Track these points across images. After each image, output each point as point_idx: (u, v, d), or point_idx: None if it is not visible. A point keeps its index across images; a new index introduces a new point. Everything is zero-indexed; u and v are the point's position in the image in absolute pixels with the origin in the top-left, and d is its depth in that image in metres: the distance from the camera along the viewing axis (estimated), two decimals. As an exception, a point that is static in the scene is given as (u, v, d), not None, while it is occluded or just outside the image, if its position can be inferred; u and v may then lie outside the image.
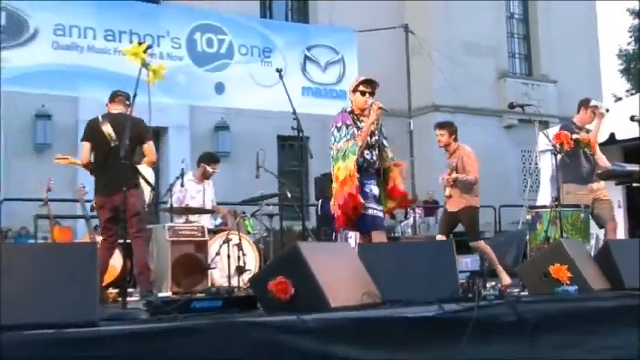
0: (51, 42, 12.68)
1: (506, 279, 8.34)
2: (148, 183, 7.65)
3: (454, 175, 8.79)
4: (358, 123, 7.07)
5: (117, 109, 7.61)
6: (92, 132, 7.46)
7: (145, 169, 7.60)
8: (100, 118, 7.51)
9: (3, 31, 12.29)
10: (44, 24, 12.66)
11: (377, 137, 7.22)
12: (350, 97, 7.30)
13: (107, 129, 7.38)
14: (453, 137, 9.01)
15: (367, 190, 7.00)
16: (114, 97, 7.72)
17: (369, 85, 7.17)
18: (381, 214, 7.07)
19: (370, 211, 6.96)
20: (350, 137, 6.93)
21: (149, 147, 7.45)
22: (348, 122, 7.04)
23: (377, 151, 7.23)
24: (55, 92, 13.07)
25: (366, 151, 7.05)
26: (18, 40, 12.43)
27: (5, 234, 10.05)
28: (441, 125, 9.24)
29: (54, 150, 18.59)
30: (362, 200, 6.85)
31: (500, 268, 8.65)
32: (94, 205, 8.00)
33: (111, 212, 7.41)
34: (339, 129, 7.04)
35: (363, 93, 7.12)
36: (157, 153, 19.43)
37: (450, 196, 8.93)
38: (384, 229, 7.23)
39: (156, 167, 19.20)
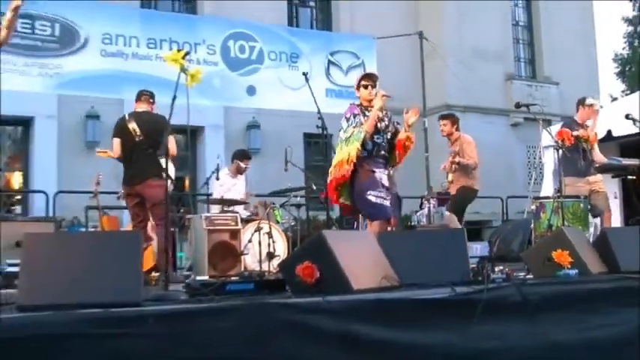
0: (99, 50, 12.75)
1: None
2: (168, 176, 7.62)
3: (456, 159, 8.89)
4: (366, 113, 7.12)
5: (141, 107, 7.77)
6: (120, 129, 7.65)
7: (170, 165, 7.61)
8: (127, 117, 7.67)
9: (57, 41, 12.37)
10: (93, 34, 12.73)
11: (386, 123, 7.25)
12: (356, 94, 7.38)
13: (132, 126, 7.52)
14: (455, 127, 9.20)
15: (378, 177, 7.00)
16: (139, 96, 7.83)
17: (370, 79, 7.30)
18: (387, 203, 6.98)
19: (374, 199, 6.91)
20: (356, 125, 6.99)
21: (172, 140, 7.44)
22: (356, 112, 7.12)
23: (388, 136, 7.24)
24: (103, 95, 13.13)
25: (376, 136, 7.10)
26: (71, 48, 12.50)
27: (59, 223, 10.12)
28: (443, 116, 9.43)
29: (102, 147, 18.71)
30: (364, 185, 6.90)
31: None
32: (122, 193, 8.08)
33: (136, 200, 7.52)
34: (347, 119, 7.12)
35: (365, 86, 7.24)
36: (195, 150, 19.53)
37: (451, 182, 9.08)
38: (387, 217, 7.11)
39: (193, 162, 19.36)
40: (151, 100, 7.81)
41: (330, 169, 7.10)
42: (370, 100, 7.17)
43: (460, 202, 9.14)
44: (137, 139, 7.49)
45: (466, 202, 9.20)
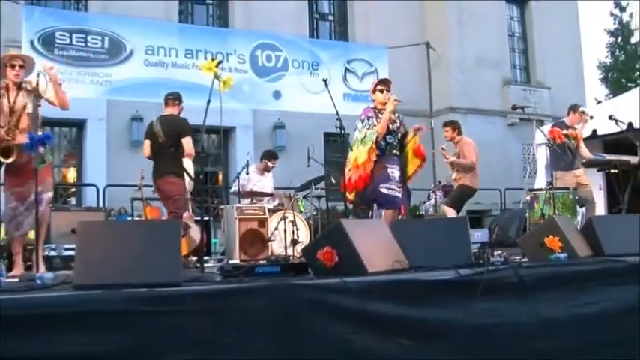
0: (143, 60, 12.78)
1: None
2: (188, 174, 7.65)
3: (452, 158, 8.93)
4: (380, 115, 7.10)
5: (168, 110, 7.72)
6: (149, 132, 7.71)
7: (187, 162, 7.62)
8: (154, 121, 7.69)
9: (107, 52, 12.43)
10: (137, 46, 12.76)
11: (397, 124, 7.24)
12: (372, 97, 7.41)
13: (157, 128, 7.55)
14: (456, 132, 9.20)
15: (390, 172, 7.00)
16: (165, 100, 7.81)
17: (385, 84, 7.35)
18: (398, 195, 6.99)
19: (385, 190, 6.93)
20: (370, 127, 6.99)
21: (187, 142, 7.40)
22: (370, 115, 7.13)
23: (399, 136, 7.23)
24: (146, 100, 13.15)
25: (388, 136, 7.10)
26: (118, 59, 12.55)
27: (109, 213, 10.18)
28: (445, 124, 9.48)
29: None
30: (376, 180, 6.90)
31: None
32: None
33: (160, 194, 7.59)
34: (362, 121, 7.14)
35: (381, 90, 7.28)
36: (227, 148, 19.49)
37: (454, 179, 9.12)
38: (396, 207, 7.15)
39: (226, 159, 19.39)
40: (177, 102, 7.73)
41: (348, 166, 7.07)
42: (384, 104, 7.17)
43: (458, 198, 9.16)
44: (160, 140, 7.48)
45: (464, 198, 9.20)
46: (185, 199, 7.62)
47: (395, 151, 7.19)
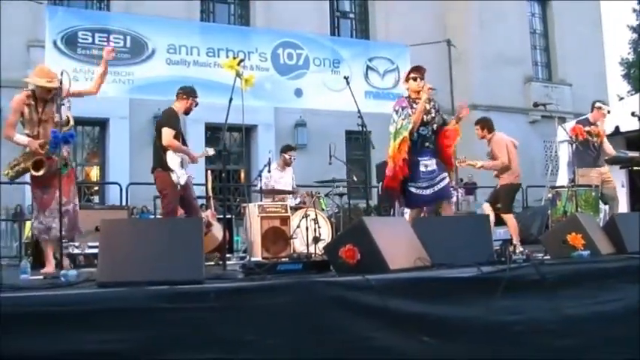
0: (165, 59, 12.83)
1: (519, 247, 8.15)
2: (168, 167, 7.21)
3: (479, 163, 8.71)
4: (414, 105, 6.83)
5: (174, 104, 7.53)
6: None
7: (170, 155, 7.21)
8: None
9: (129, 51, 12.49)
10: (159, 45, 12.81)
11: (432, 115, 6.93)
12: (405, 87, 7.11)
13: None
14: (486, 130, 8.84)
15: (422, 167, 6.73)
16: (176, 94, 7.59)
17: (418, 71, 7.02)
18: (425, 192, 6.72)
19: (414, 190, 6.71)
20: (405, 117, 6.71)
21: (164, 132, 7.17)
22: (404, 105, 6.84)
23: (434, 127, 6.93)
24: (168, 98, 13.19)
25: (421, 128, 6.81)
26: (140, 58, 12.60)
27: (131, 211, 10.25)
28: (475, 122, 9.09)
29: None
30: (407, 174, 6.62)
31: (516, 239, 8.50)
32: None
33: None
34: (396, 112, 6.84)
35: (414, 79, 6.95)
36: (249, 146, 19.52)
37: (496, 176, 8.78)
38: (420, 206, 7.01)
39: (248, 157, 19.45)
40: (184, 96, 7.48)
41: (389, 161, 6.81)
42: (418, 92, 6.88)
43: (503, 196, 8.76)
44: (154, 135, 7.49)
45: (510, 195, 8.85)
46: (183, 194, 7.25)
47: (427, 144, 6.87)
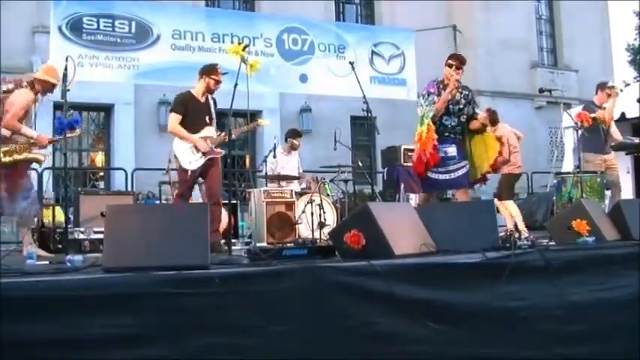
0: (170, 44, 12.78)
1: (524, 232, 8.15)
2: (176, 156, 7.14)
3: None
4: (442, 92, 6.83)
5: (196, 86, 7.36)
6: None
7: (177, 140, 7.12)
8: None
9: (134, 37, 12.45)
10: (164, 30, 12.76)
11: (460, 106, 6.93)
12: (443, 70, 7.04)
13: None
14: (489, 122, 8.89)
15: (442, 154, 6.72)
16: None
17: (456, 59, 7.01)
18: (440, 177, 6.77)
19: (430, 174, 6.74)
20: (429, 104, 6.73)
21: (169, 117, 7.23)
22: (432, 90, 6.85)
23: (462, 119, 6.92)
24: (173, 84, 13.15)
25: (444, 117, 6.84)
26: (145, 43, 12.56)
27: (137, 196, 10.24)
28: None
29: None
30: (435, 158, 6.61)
31: (521, 226, 8.56)
32: None
33: None
34: (423, 96, 6.87)
35: (450, 65, 6.95)
36: (254, 132, 19.40)
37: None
38: (429, 191, 7.06)
39: (253, 142, 19.44)
40: (200, 76, 7.32)
41: (417, 144, 6.82)
42: (449, 79, 6.89)
43: (503, 184, 9.12)
44: None
45: (508, 184, 9.17)
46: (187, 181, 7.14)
47: (448, 133, 6.86)
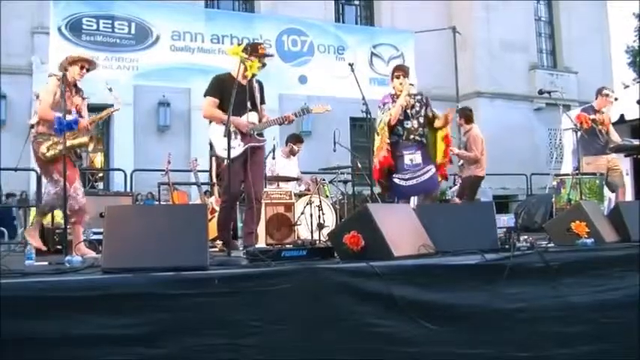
0: (169, 45, 12.78)
1: None
2: (211, 144, 6.50)
3: (456, 150, 8.99)
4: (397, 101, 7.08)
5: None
6: None
7: (213, 126, 6.45)
8: None
9: (133, 38, 12.45)
10: (164, 31, 12.75)
11: (417, 109, 7.16)
12: (391, 85, 7.37)
13: None
14: (464, 120, 9.30)
15: (407, 160, 6.96)
16: None
17: (401, 70, 7.30)
18: (408, 183, 6.96)
19: (397, 181, 6.95)
20: (386, 111, 7.02)
21: (203, 102, 6.53)
22: (387, 101, 7.14)
23: (420, 121, 7.13)
24: (173, 85, 13.24)
25: (406, 121, 7.06)
26: (144, 44, 12.56)
27: (136, 197, 10.25)
28: (457, 110, 9.49)
29: (172, 131, 18.98)
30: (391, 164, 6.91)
31: None
32: None
33: None
34: (380, 108, 7.16)
35: (397, 77, 7.22)
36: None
37: (461, 166, 9.23)
38: (402, 198, 7.14)
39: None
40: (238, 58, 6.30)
41: (375, 153, 7.13)
42: (401, 90, 7.15)
43: (468, 188, 9.29)
44: None
45: (473, 187, 9.32)
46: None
47: (413, 136, 7.09)
